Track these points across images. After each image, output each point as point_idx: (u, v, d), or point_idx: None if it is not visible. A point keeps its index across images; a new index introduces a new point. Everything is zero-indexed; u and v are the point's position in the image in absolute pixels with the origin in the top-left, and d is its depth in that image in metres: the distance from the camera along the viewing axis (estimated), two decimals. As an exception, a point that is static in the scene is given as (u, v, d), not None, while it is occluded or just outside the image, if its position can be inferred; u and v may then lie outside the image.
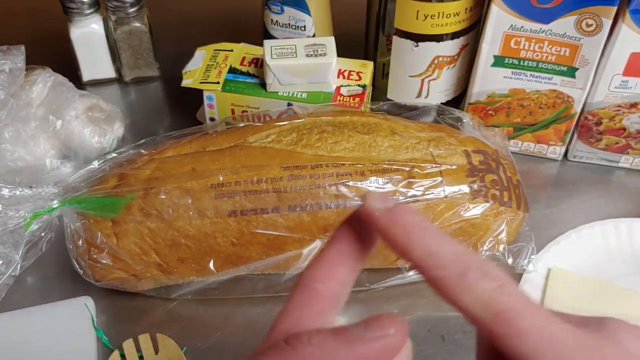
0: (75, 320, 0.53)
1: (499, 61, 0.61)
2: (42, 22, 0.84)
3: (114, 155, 0.56)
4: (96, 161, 0.55)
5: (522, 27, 0.58)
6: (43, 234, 0.53)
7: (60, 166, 0.64)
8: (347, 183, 0.52)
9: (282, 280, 0.54)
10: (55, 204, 0.53)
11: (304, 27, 0.67)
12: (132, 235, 0.51)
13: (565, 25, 0.57)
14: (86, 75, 0.75)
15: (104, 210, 0.52)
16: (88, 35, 0.71)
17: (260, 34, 0.70)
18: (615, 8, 0.55)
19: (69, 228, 0.52)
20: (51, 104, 0.63)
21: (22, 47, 0.64)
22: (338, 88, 0.62)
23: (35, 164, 0.62)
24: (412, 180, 0.52)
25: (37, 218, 0.52)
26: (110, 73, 0.75)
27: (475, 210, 0.53)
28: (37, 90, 0.63)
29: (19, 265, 0.54)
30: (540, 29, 0.58)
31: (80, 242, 0.52)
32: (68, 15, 0.70)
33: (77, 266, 0.53)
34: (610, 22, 0.55)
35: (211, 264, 0.52)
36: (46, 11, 0.80)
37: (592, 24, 0.56)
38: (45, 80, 0.64)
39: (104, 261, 0.52)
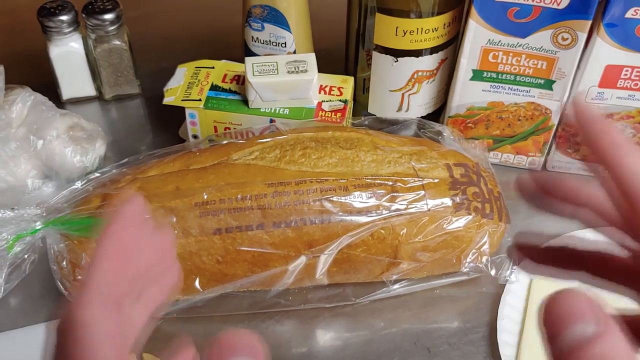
0: (60, 342, 0.53)
1: (477, 75, 0.62)
2: (20, 41, 0.83)
3: (97, 175, 0.56)
4: (79, 181, 0.55)
5: (499, 41, 0.59)
6: (26, 256, 0.53)
7: (41, 186, 0.63)
8: (331, 198, 0.52)
9: (268, 297, 0.54)
10: (38, 225, 0.52)
11: (285, 43, 0.67)
12: (117, 255, 0.51)
13: (541, 39, 0.58)
14: (66, 93, 0.74)
15: (88, 230, 0.51)
16: (68, 54, 0.71)
17: (241, 51, 0.70)
18: (589, 22, 0.56)
19: (52, 249, 0.52)
20: (31, 123, 0.63)
21: (1, 67, 0.63)
22: (320, 104, 0.62)
23: (16, 185, 0.61)
24: (395, 194, 0.53)
25: (20, 240, 0.52)
26: (91, 91, 0.75)
27: (458, 222, 0.53)
28: (16, 110, 0.63)
29: (2, 288, 0.53)
30: (518, 43, 0.59)
31: (65, 263, 0.52)
32: (47, 34, 0.69)
33: (62, 287, 0.52)
34: (585, 35, 0.57)
35: (197, 283, 0.52)
36: (25, 30, 0.79)
37: (567, 38, 0.57)
38: (25, 100, 0.64)
39: (89, 282, 0.51)
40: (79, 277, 0.51)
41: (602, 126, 0.25)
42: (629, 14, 0.55)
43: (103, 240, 0.27)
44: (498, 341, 0.53)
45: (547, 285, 0.58)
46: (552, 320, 0.22)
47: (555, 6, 0.55)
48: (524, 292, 0.56)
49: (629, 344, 0.21)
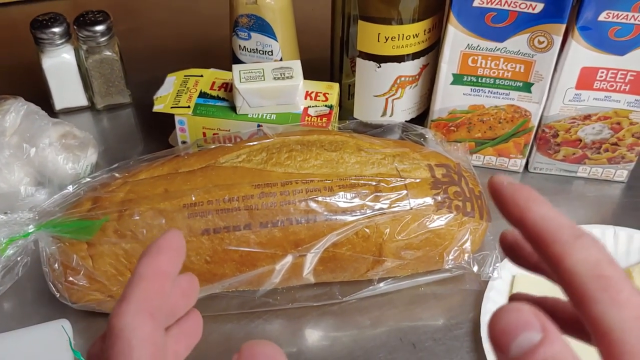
0: (52, 343, 0.54)
1: (458, 79, 0.64)
2: (13, 53, 0.85)
3: (88, 179, 0.57)
4: (70, 186, 0.56)
5: (478, 46, 0.61)
6: (19, 259, 0.54)
7: (34, 193, 0.64)
8: (317, 199, 0.53)
9: (256, 296, 0.56)
10: (30, 228, 0.53)
11: (271, 51, 0.69)
12: (108, 257, 0.53)
13: (518, 43, 0.60)
14: (58, 103, 0.76)
15: (79, 233, 0.53)
16: (60, 65, 0.73)
17: (229, 60, 0.72)
18: (564, 25, 0.58)
19: (44, 252, 0.53)
20: (25, 132, 0.64)
21: (-5, 78, 0.65)
22: (306, 109, 0.64)
23: (10, 192, 0.62)
24: (378, 194, 0.54)
25: (12, 243, 0.53)
26: (83, 101, 0.77)
27: (440, 220, 0.55)
28: (10, 119, 0.64)
29: (-5, 291, 0.54)
30: (496, 47, 0.61)
31: (57, 265, 0.53)
32: (40, 46, 0.71)
33: (54, 289, 0.53)
34: (560, 38, 0.59)
35: (186, 282, 0.54)
36: (18, 42, 0.81)
37: (543, 41, 0.59)
38: (18, 110, 0.65)
39: (81, 283, 0.53)
40: (69, 279, 0.53)
41: (514, 188, 0.27)
42: (602, 17, 0.57)
43: (142, 261, 0.30)
44: (482, 336, 0.54)
45: (529, 281, 0.59)
46: (500, 333, 0.23)
47: (530, 11, 0.57)
48: (507, 288, 0.58)
49: (570, 347, 0.22)
